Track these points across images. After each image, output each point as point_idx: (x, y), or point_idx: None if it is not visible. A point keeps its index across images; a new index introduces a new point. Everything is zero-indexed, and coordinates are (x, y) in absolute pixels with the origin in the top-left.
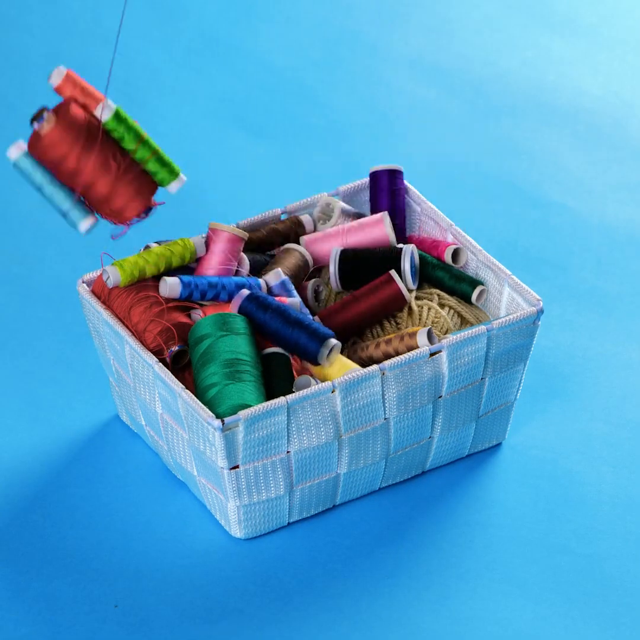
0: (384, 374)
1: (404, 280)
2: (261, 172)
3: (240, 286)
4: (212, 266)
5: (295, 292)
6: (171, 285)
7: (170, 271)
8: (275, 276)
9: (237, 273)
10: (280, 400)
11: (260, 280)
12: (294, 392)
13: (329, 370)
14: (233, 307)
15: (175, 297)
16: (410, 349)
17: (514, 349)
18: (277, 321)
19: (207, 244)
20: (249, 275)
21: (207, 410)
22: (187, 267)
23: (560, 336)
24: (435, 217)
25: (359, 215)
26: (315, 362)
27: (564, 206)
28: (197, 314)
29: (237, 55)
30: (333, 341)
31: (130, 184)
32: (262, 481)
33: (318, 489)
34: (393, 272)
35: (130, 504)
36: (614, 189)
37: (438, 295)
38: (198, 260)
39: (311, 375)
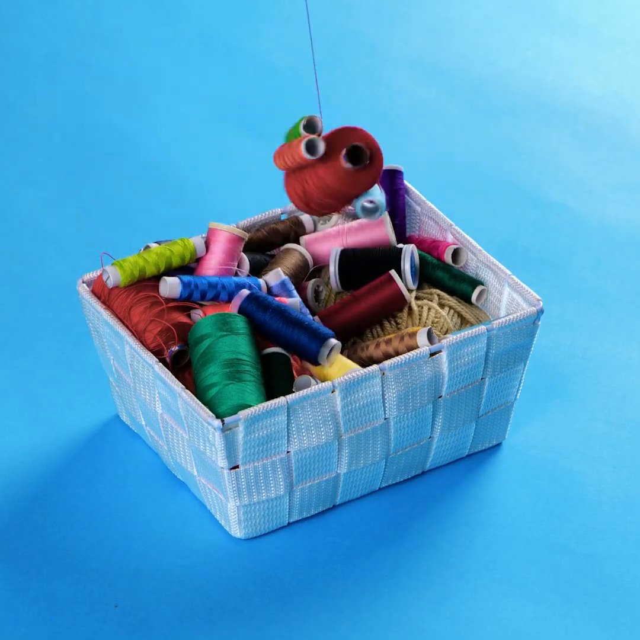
0: (384, 374)
1: (404, 280)
2: (261, 172)
3: (240, 286)
4: (212, 266)
5: (295, 292)
6: (171, 285)
7: (170, 271)
8: (275, 276)
9: (237, 273)
10: (280, 400)
11: (260, 280)
12: (294, 392)
13: (329, 370)
14: (233, 307)
15: (175, 297)
16: (410, 349)
17: (514, 349)
18: (277, 321)
19: (207, 244)
20: (249, 275)
21: (207, 410)
22: (187, 267)
23: (560, 336)
24: (435, 217)
25: None
26: (315, 362)
27: (564, 206)
28: (197, 314)
29: (237, 55)
30: (333, 341)
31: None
32: (262, 481)
33: (318, 489)
34: (393, 272)
35: (130, 504)
36: (614, 189)
37: (438, 295)
38: (198, 260)
39: (311, 375)
